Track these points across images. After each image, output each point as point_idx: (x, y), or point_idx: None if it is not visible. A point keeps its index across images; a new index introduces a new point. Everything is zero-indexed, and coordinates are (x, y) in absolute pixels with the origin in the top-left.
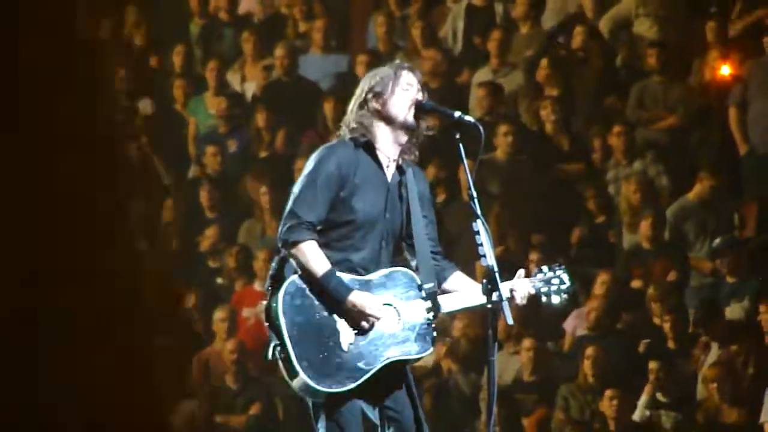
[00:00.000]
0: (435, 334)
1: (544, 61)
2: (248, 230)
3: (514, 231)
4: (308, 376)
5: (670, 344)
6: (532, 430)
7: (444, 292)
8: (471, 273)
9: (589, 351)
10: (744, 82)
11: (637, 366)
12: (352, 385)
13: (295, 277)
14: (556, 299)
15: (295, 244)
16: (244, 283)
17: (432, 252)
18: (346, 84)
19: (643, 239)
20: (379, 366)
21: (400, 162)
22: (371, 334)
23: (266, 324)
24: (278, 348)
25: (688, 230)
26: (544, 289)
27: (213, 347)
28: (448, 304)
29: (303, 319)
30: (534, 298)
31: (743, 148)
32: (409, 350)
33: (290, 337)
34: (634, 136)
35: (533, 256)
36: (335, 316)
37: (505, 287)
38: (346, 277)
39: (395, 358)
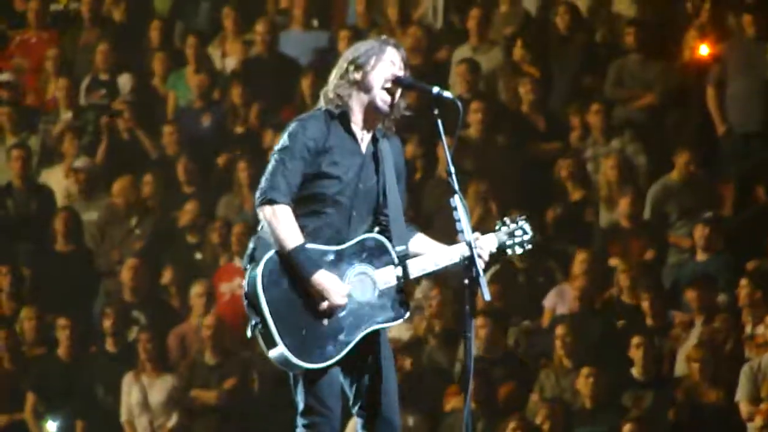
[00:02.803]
0: (407, 299)
1: (520, 40)
2: (227, 205)
3: (491, 208)
4: (290, 352)
5: (649, 322)
6: (504, 404)
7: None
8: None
9: (559, 330)
10: (722, 62)
11: (615, 344)
12: (334, 360)
13: (274, 253)
14: (519, 250)
15: (270, 202)
16: (228, 259)
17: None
18: (325, 60)
19: (621, 217)
20: (359, 337)
21: (377, 133)
22: (349, 306)
23: (245, 302)
24: (259, 325)
25: (670, 210)
26: (508, 242)
27: (189, 323)
28: (416, 267)
29: (283, 294)
30: (498, 253)
31: (721, 127)
32: (386, 317)
33: (271, 313)
34: (612, 115)
35: None
36: None
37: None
38: (319, 248)
39: (374, 327)
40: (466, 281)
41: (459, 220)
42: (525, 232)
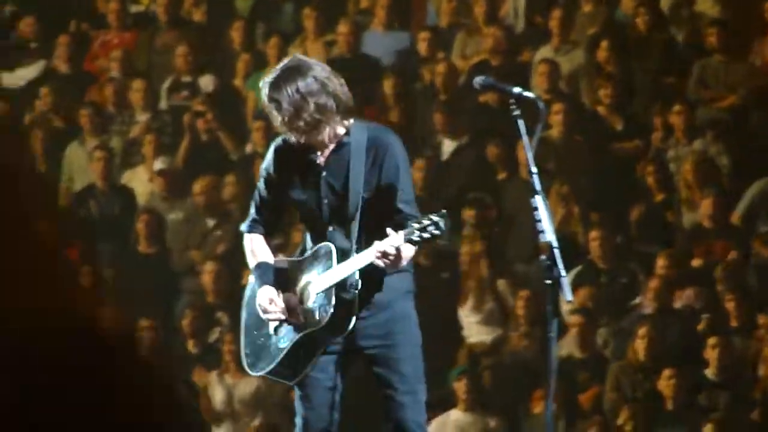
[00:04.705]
0: (344, 301)
1: (604, 42)
2: None
3: (573, 209)
4: (246, 363)
5: (733, 323)
6: (587, 406)
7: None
8: (531, 249)
9: (642, 331)
10: None
11: (695, 345)
12: (271, 366)
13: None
14: (427, 240)
15: (243, 233)
16: None
17: (398, 215)
18: (407, 61)
19: (704, 218)
20: (291, 343)
21: (339, 141)
22: (291, 314)
23: None
24: None
25: (763, 212)
26: (415, 236)
27: None
28: (341, 270)
29: (252, 309)
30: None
31: None
32: (312, 325)
33: (244, 327)
34: (695, 115)
35: (593, 233)
36: None
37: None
38: (286, 260)
39: (303, 334)
40: (548, 282)
41: (540, 221)
42: (437, 227)
